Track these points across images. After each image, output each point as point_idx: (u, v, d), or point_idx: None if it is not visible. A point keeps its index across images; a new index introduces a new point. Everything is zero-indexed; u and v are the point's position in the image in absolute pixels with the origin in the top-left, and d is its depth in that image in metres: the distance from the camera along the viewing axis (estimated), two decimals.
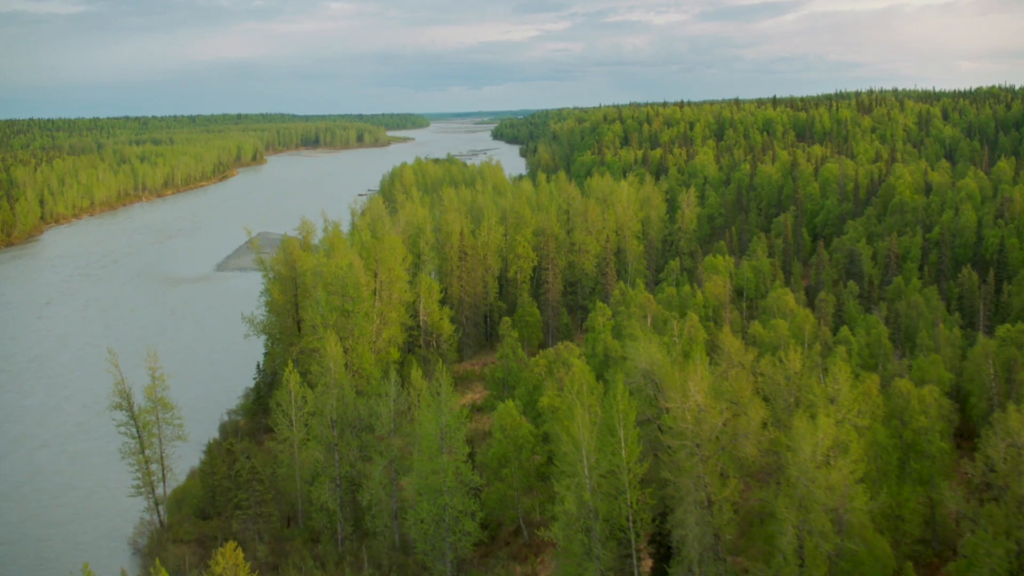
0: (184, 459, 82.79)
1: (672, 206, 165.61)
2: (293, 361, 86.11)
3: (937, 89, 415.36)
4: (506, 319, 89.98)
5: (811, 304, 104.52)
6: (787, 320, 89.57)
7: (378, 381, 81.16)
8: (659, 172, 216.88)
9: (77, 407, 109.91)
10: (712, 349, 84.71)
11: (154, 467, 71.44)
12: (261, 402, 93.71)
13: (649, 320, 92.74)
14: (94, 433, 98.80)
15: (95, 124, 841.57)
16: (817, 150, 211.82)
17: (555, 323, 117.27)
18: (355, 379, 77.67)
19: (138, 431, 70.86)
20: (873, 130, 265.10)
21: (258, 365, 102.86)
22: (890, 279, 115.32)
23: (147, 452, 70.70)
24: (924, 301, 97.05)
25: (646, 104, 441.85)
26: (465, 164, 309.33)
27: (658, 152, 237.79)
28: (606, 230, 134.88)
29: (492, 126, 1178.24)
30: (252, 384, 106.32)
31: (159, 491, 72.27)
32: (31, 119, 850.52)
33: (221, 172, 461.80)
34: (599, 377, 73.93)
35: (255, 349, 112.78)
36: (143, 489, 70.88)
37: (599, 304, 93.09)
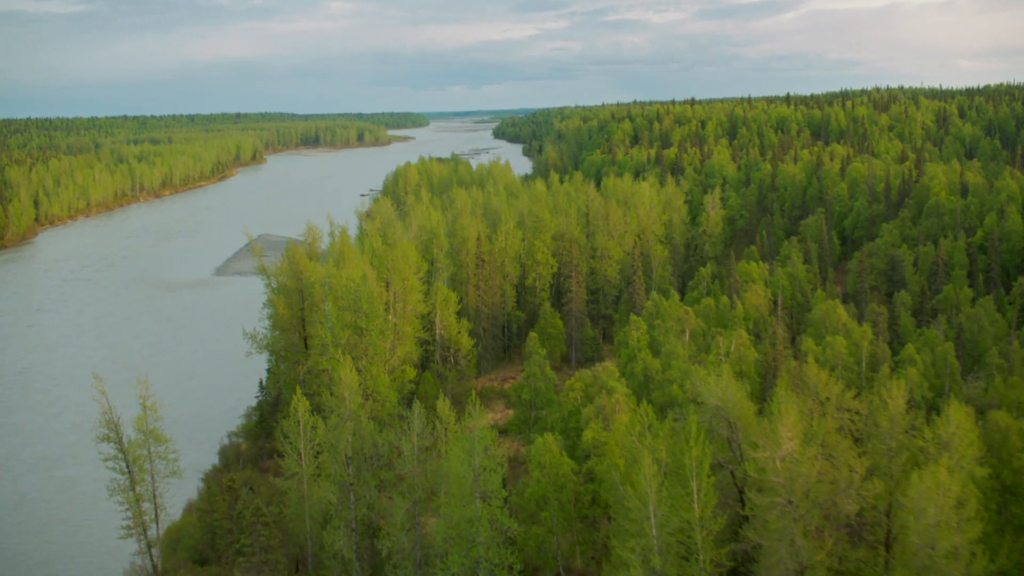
0: (181, 489, 74.97)
1: (692, 208, 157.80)
2: (300, 383, 78.17)
3: (943, 87, 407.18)
4: (532, 335, 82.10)
5: (858, 316, 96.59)
6: (842, 336, 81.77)
7: (393, 404, 73.39)
8: (674, 172, 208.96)
9: (67, 426, 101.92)
10: (765, 370, 76.89)
11: (146, 506, 63.42)
12: (264, 424, 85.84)
13: (687, 335, 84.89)
14: (84, 457, 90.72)
15: (93, 123, 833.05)
16: (839, 149, 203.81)
17: (578, 335, 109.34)
18: (370, 404, 69.76)
19: (128, 466, 62.86)
20: (891, 128, 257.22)
21: (261, 382, 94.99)
22: (939, 288, 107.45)
23: (138, 490, 62.69)
24: (985, 314, 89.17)
25: (653, 102, 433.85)
26: (470, 164, 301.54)
27: (672, 151, 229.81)
28: (628, 234, 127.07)
29: (492, 125, 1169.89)
30: (254, 401, 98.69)
31: (151, 532, 64.25)
32: (28, 118, 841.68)
33: (220, 172, 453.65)
34: (640, 399, 66.29)
35: (257, 362, 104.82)
36: (134, 530, 62.93)
37: (633, 317, 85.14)
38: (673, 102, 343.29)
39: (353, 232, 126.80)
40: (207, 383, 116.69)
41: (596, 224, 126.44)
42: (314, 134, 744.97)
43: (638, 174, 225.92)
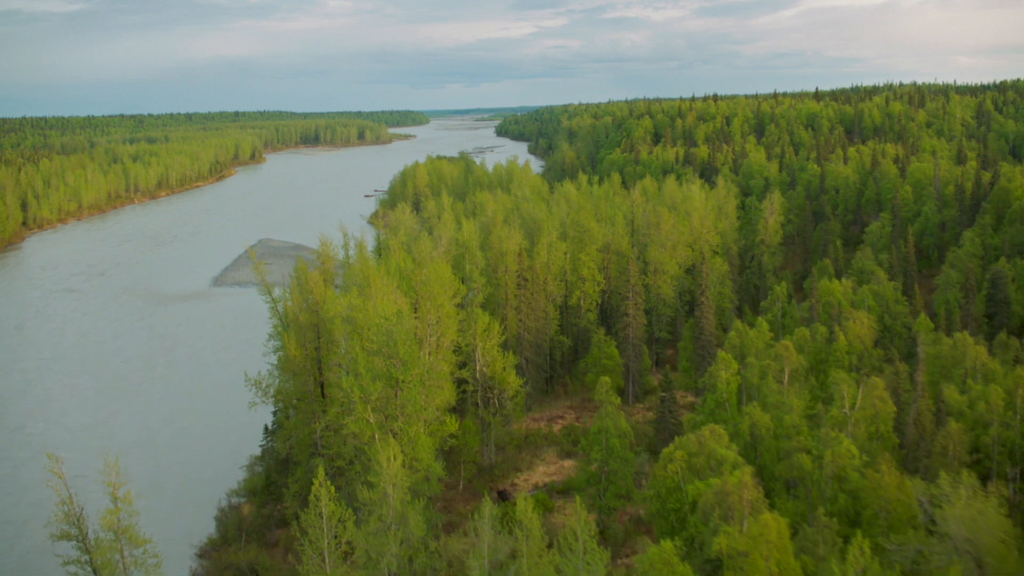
0: (170, 567, 59.21)
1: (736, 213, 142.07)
2: (316, 446, 62.29)
3: (955, 83, 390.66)
4: (604, 380, 66.13)
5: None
6: (980, 381, 66.11)
7: (438, 476, 57.65)
8: (706, 173, 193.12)
9: (38, 480, 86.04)
10: (905, 429, 61.07)
11: None
12: (271, 489, 69.99)
13: (786, 376, 69.11)
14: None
15: (89, 122, 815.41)
16: (888, 148, 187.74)
17: (637, 365, 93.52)
18: (408, 475, 53.95)
19: (95, 573, 47.13)
20: (929, 124, 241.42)
21: (267, 427, 79.18)
22: None
23: None
24: None
25: (659, 99, 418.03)
26: (483, 163, 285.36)
27: (702, 150, 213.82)
28: (681, 245, 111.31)
29: (493, 123, 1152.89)
30: (258, 448, 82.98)
31: None
32: (23, 117, 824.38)
33: (218, 172, 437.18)
34: (750, 464, 50.81)
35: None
36: None
37: (722, 355, 69.37)
38: (693, 98, 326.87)
39: (369, 244, 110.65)
40: (204, 420, 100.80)
41: (646, 234, 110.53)
42: (314, 132, 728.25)
43: (665, 174, 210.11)
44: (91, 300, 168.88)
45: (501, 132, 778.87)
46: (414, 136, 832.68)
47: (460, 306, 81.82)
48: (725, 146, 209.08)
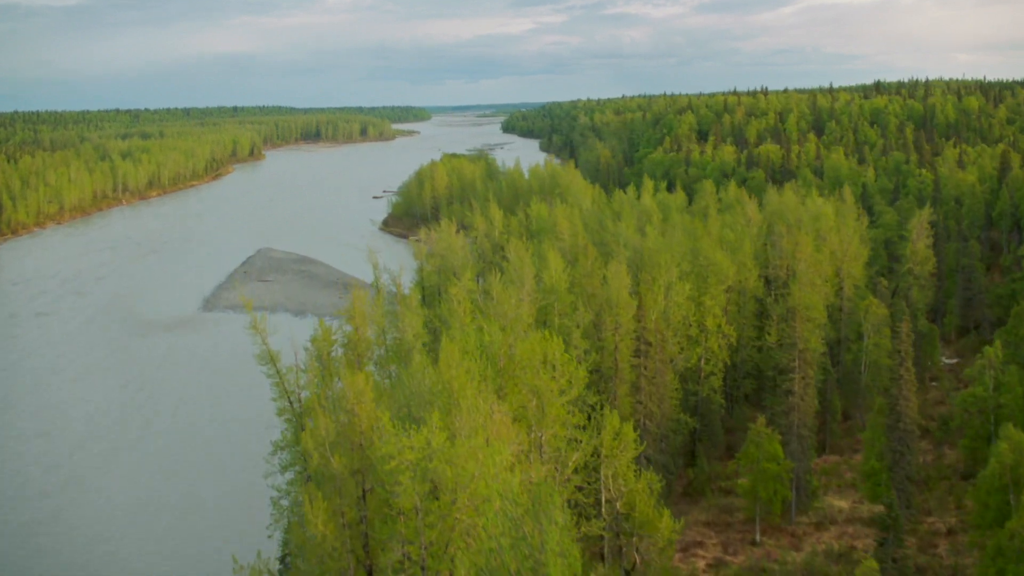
0: None
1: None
2: None
3: (971, 79, 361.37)
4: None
5: None
6: None
7: None
8: (780, 178, 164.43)
9: None
10: None
11: None
12: None
13: None
14: None
15: (83, 117, 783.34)
16: (1001, 149, 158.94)
17: (804, 465, 64.75)
18: None
19: None
20: (1010, 122, 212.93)
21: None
22: None
23: None
24: None
25: (725, 92, 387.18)
26: (503, 163, 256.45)
27: (770, 149, 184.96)
28: (820, 280, 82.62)
29: (495, 119, 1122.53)
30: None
31: None
32: (15, 112, 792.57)
33: (215, 170, 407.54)
34: None
35: (254, 473, 61.02)
36: None
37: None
38: (735, 92, 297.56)
39: (407, 279, 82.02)
40: (190, 519, 71.96)
41: (782, 266, 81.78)
42: (315, 128, 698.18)
43: (726, 177, 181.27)
44: (58, 327, 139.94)
45: (508, 129, 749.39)
46: (417, 132, 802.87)
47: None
48: (796, 146, 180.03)
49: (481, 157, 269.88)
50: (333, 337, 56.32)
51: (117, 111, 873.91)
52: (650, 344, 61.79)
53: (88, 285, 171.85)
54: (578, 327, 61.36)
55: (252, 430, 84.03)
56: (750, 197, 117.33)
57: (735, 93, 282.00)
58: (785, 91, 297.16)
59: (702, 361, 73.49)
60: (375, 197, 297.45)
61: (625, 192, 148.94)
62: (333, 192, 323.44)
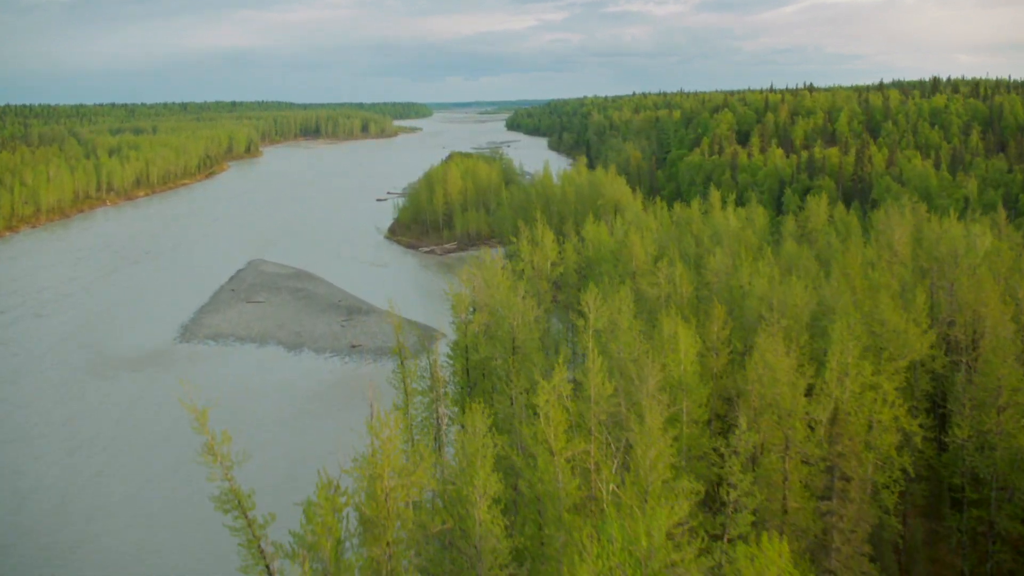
0: None
1: None
2: None
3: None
4: None
5: None
6: None
7: None
8: (855, 190, 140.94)
9: None
10: None
11: None
12: None
13: None
14: None
15: (77, 111, 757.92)
16: None
17: None
18: None
19: None
20: None
21: None
22: None
23: None
24: None
25: (767, 89, 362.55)
26: (519, 164, 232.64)
27: (834, 153, 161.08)
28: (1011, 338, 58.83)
29: (497, 116, 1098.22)
30: None
31: None
32: (6, 105, 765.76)
33: (208, 167, 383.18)
34: None
35: None
36: None
37: None
38: (775, 89, 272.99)
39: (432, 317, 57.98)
40: None
41: (961, 324, 58.21)
42: (314, 124, 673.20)
43: (784, 187, 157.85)
44: (6, 362, 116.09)
45: (512, 126, 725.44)
46: (420, 129, 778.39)
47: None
48: (873, 149, 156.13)
49: (495, 157, 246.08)
50: (341, 501, 32.14)
51: (112, 105, 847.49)
52: (849, 480, 38.12)
53: (51, 305, 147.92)
54: (735, 454, 37.64)
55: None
56: (852, 215, 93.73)
57: (777, 90, 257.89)
58: (830, 88, 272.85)
59: (870, 470, 49.91)
60: (379, 199, 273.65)
61: (663, 201, 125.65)
62: (333, 193, 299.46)
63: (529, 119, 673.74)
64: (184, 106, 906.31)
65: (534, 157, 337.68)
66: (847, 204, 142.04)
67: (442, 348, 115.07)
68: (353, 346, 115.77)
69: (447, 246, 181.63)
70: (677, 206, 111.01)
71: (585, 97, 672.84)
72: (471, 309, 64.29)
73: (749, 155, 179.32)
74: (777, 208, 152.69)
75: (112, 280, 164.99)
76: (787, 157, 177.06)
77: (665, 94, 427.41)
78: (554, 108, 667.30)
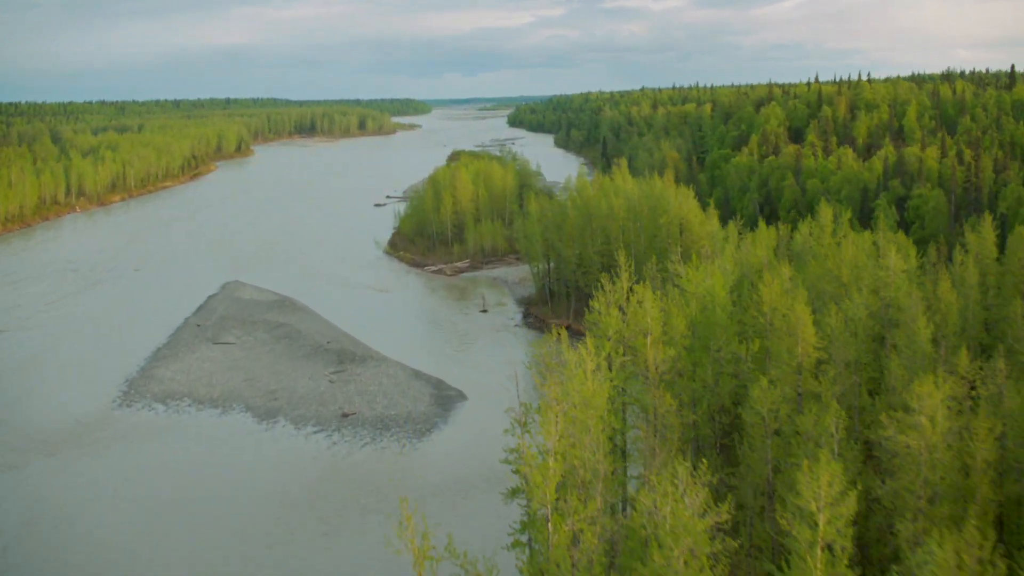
0: None
1: None
2: None
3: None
4: None
5: None
6: None
7: None
8: (968, 200, 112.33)
9: None
10: None
11: None
12: None
13: None
14: None
15: (64, 109, 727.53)
16: None
17: None
18: None
19: None
20: None
21: None
22: None
23: None
24: None
25: (809, 82, 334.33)
26: (537, 166, 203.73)
27: (932, 155, 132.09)
28: None
29: (496, 112, 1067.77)
30: None
31: None
32: None
33: (193, 168, 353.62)
34: None
35: None
36: None
37: None
38: (824, 80, 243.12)
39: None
40: None
41: None
42: (310, 121, 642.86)
43: (867, 195, 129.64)
44: None
45: (514, 122, 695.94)
46: (419, 126, 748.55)
47: None
48: (971, 152, 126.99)
49: (507, 158, 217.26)
50: None
51: (102, 103, 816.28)
52: None
53: None
54: None
55: None
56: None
57: (832, 81, 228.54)
58: (890, 79, 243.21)
59: None
60: (377, 204, 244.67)
61: (719, 210, 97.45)
62: (326, 197, 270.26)
63: (532, 115, 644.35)
64: (177, 103, 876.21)
65: (543, 156, 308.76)
66: (958, 218, 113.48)
67: (468, 415, 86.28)
68: (345, 414, 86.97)
69: (458, 264, 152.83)
70: (781, 229, 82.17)
71: (590, 93, 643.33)
72: (539, 456, 35.29)
73: (815, 155, 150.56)
74: (863, 222, 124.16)
75: (55, 312, 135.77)
76: (862, 159, 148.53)
77: (697, 87, 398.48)
78: (558, 104, 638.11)
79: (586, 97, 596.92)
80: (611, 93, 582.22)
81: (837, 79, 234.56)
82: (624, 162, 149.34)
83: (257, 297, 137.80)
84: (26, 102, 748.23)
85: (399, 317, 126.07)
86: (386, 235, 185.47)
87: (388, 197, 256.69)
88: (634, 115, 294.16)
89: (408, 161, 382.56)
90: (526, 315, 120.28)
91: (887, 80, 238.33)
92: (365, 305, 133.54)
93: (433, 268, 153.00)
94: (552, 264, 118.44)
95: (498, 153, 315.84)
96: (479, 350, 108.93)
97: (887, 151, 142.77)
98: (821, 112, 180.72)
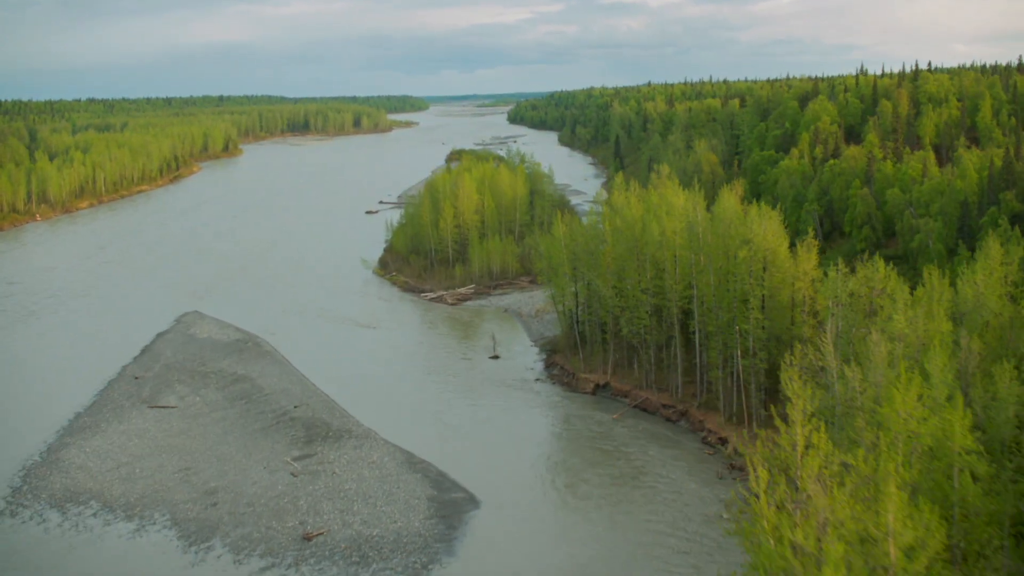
0: None
1: None
2: None
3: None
4: None
5: None
6: None
7: None
8: None
9: None
10: None
11: None
12: None
13: None
14: None
15: (50, 107, 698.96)
16: None
17: None
18: None
19: None
20: None
21: None
22: None
23: None
24: None
25: (850, 74, 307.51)
26: (549, 169, 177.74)
27: None
28: None
29: (494, 108, 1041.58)
30: None
31: None
32: None
33: (174, 170, 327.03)
34: None
35: None
36: None
37: None
38: (818, 76, 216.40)
39: None
40: None
41: None
42: (303, 119, 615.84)
43: (968, 212, 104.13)
44: None
45: (515, 119, 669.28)
46: (416, 123, 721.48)
47: None
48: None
49: (515, 160, 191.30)
50: None
51: (91, 100, 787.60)
52: None
53: None
54: None
55: None
56: None
57: (891, 73, 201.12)
58: (954, 70, 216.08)
59: None
60: (368, 212, 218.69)
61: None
62: (313, 202, 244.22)
63: (534, 112, 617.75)
64: (168, 101, 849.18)
65: (548, 155, 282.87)
66: None
67: (484, 537, 60.71)
68: (307, 536, 61.20)
69: (461, 291, 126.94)
70: (934, 275, 56.24)
71: (592, 88, 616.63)
72: None
73: (889, 160, 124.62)
74: (967, 243, 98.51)
75: None
76: (939, 164, 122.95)
77: (711, 81, 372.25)
78: (559, 100, 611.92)
79: (589, 93, 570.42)
80: (615, 88, 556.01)
81: (886, 71, 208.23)
82: (665, 169, 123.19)
83: (216, 335, 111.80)
84: (11, 100, 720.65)
85: (387, 364, 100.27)
86: (377, 250, 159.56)
87: (381, 203, 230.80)
88: (650, 111, 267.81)
89: (403, 161, 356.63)
90: (549, 364, 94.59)
91: (951, 70, 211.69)
92: (347, 346, 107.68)
93: (431, 295, 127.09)
94: (581, 299, 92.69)
95: (502, 152, 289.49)
96: (491, 417, 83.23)
97: (985, 154, 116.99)
98: (879, 108, 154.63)
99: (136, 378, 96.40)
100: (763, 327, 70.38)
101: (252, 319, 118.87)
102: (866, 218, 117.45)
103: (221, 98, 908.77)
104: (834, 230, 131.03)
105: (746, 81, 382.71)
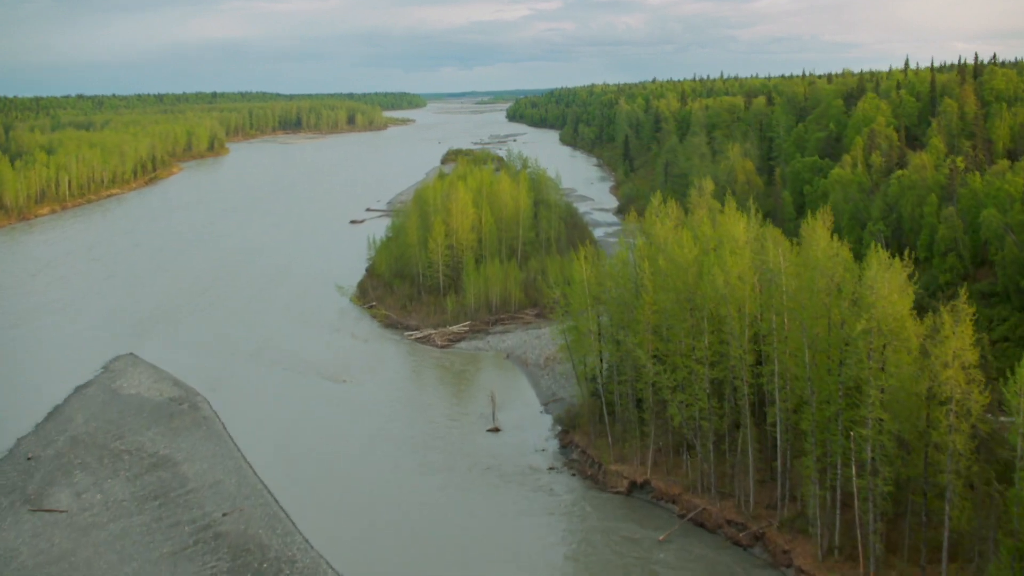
0: None
1: None
2: None
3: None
4: None
5: None
6: None
7: None
8: None
9: None
10: None
11: None
12: None
13: None
14: None
15: (36, 104, 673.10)
16: None
17: None
18: None
19: None
20: None
21: None
22: None
23: None
24: None
25: (916, 68, 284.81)
26: (556, 175, 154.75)
27: None
28: None
29: (494, 105, 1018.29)
30: None
31: None
32: None
33: (151, 171, 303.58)
34: None
35: None
36: None
37: None
38: (818, 74, 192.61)
39: None
40: None
41: None
42: (295, 116, 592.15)
43: None
44: None
45: (514, 116, 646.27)
46: (412, 121, 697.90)
47: None
48: None
49: (517, 164, 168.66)
50: None
51: (80, 97, 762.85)
52: None
53: None
54: None
55: None
56: None
57: (945, 68, 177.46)
58: (1020, 63, 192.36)
59: None
60: (353, 221, 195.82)
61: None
62: (295, 208, 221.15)
63: (533, 109, 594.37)
64: (160, 97, 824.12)
65: (550, 156, 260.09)
66: None
67: None
68: None
69: (453, 329, 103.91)
70: None
71: (594, 85, 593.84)
72: None
73: (978, 170, 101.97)
74: None
75: None
76: None
77: (722, 78, 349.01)
78: (560, 97, 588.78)
79: (591, 89, 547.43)
80: (618, 85, 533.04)
81: (944, 64, 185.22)
82: (709, 184, 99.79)
83: (146, 391, 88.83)
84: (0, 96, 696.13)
85: (354, 439, 77.33)
86: (358, 270, 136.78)
87: (368, 211, 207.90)
88: (662, 109, 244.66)
89: (397, 161, 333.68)
90: (565, 444, 71.84)
91: (1016, 65, 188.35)
92: (306, 408, 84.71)
93: (417, 334, 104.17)
94: (609, 360, 69.92)
95: (501, 153, 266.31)
96: (490, 533, 60.44)
97: None
98: (941, 107, 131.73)
99: (29, 458, 73.59)
100: (887, 431, 47.65)
101: (198, 363, 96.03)
102: (951, 243, 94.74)
103: (215, 95, 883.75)
104: (900, 251, 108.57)
105: (758, 78, 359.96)
